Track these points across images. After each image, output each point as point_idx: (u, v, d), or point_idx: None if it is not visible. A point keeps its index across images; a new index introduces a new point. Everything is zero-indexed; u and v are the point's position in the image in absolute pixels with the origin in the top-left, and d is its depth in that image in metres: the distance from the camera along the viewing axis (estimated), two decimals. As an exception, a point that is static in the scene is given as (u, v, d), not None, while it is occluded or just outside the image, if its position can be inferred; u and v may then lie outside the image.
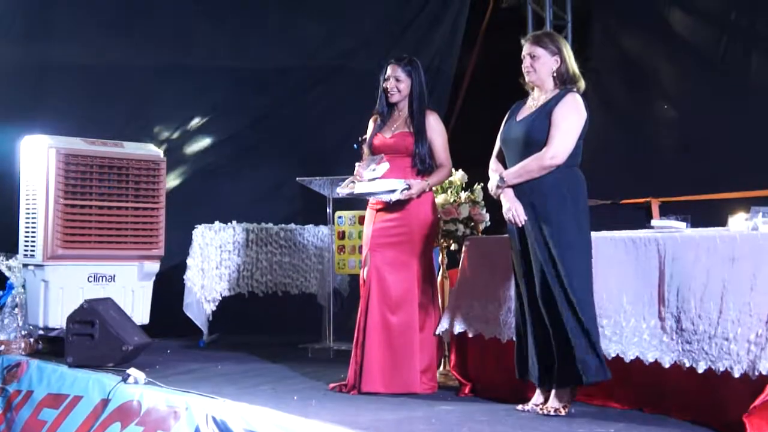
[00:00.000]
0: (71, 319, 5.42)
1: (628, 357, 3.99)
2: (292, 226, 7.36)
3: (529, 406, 4.14)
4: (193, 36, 7.73)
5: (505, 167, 4.21)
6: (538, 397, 4.15)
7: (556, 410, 4.02)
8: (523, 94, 4.38)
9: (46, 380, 5.29)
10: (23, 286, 6.03)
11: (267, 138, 8.15)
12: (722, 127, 7.21)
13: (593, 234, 4.13)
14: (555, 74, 4.18)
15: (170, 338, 6.80)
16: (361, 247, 6.22)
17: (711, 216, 4.89)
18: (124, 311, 5.78)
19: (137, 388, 4.63)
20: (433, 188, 4.98)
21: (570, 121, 4.06)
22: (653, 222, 4.41)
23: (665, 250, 3.93)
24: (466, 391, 4.72)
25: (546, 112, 4.09)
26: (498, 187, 4.18)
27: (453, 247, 5.32)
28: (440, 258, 5.47)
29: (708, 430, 3.74)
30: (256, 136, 8.15)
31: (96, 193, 6.16)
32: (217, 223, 6.97)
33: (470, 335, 4.69)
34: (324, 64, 8.23)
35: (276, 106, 8.16)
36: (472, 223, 5.31)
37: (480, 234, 5.34)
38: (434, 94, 5.02)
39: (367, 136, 4.99)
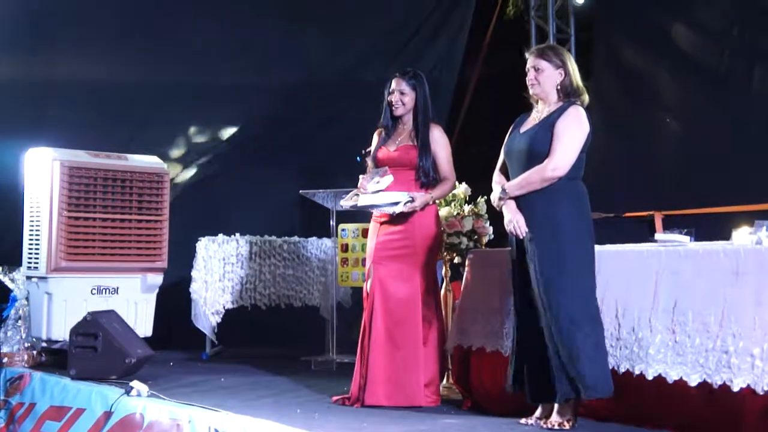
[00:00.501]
0: (74, 331, 5.42)
1: (620, 370, 3.99)
2: (296, 238, 7.36)
3: (532, 420, 4.13)
4: (197, 51, 7.75)
5: (509, 180, 4.22)
6: (541, 411, 4.14)
7: (559, 425, 4.01)
8: (526, 108, 4.39)
9: (49, 393, 5.28)
10: (27, 299, 6.03)
11: (270, 151, 8.17)
12: (725, 141, 7.22)
13: (596, 247, 4.13)
14: (559, 87, 4.19)
15: (173, 351, 6.80)
16: (364, 259, 6.22)
17: (715, 230, 4.89)
18: (127, 324, 5.78)
19: (140, 401, 4.62)
20: (437, 201, 4.98)
21: (572, 133, 4.07)
22: (657, 236, 4.41)
23: (667, 263, 3.93)
24: (470, 404, 4.71)
25: (549, 124, 4.10)
26: (500, 198, 4.18)
27: (456, 260, 5.32)
28: (443, 271, 5.47)
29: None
30: (260, 150, 8.17)
31: (99, 205, 6.17)
32: (220, 235, 6.97)
33: (474, 349, 4.68)
34: (327, 78, 8.24)
35: (280, 120, 8.18)
36: (476, 236, 5.31)
37: (483, 247, 5.34)
38: (433, 107, 5.01)
39: (372, 149, 5.00)
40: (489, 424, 4.21)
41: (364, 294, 4.92)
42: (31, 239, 6.10)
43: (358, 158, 5.05)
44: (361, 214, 5.59)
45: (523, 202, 4.11)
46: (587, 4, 8.62)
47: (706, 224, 6.06)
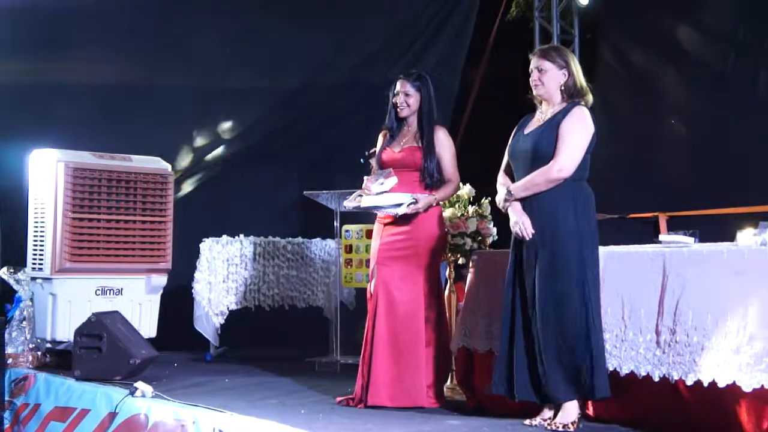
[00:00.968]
0: (79, 332, 5.43)
1: (623, 371, 4.00)
2: (300, 239, 7.36)
3: (536, 421, 4.13)
4: (201, 53, 7.75)
5: (513, 181, 4.22)
6: (546, 412, 4.13)
7: (564, 426, 4.01)
8: (530, 108, 4.39)
9: (54, 393, 5.29)
10: (31, 300, 6.04)
11: (274, 152, 8.17)
12: (730, 143, 7.21)
13: (600, 249, 4.13)
14: (563, 88, 4.19)
15: (177, 351, 6.80)
16: (368, 260, 6.24)
17: (719, 231, 4.89)
18: (132, 324, 5.79)
19: (145, 402, 4.63)
20: (441, 202, 4.98)
21: (577, 134, 4.07)
22: (661, 237, 4.42)
23: (671, 264, 3.93)
24: (473, 405, 4.71)
25: (553, 125, 4.10)
26: (505, 200, 4.18)
27: (460, 261, 5.32)
28: (447, 272, 5.48)
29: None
30: (264, 151, 8.16)
31: (104, 206, 6.17)
32: (224, 236, 6.98)
33: (478, 351, 4.68)
34: (331, 79, 8.24)
35: (284, 122, 8.18)
36: (480, 237, 5.32)
37: (487, 248, 5.34)
38: (437, 108, 5.02)
39: (376, 150, 5.01)
40: (493, 426, 4.21)
41: (368, 295, 4.92)
42: (35, 240, 6.11)
43: (362, 159, 5.06)
44: (365, 215, 5.59)
45: (528, 203, 4.11)
46: (591, 5, 8.60)
47: (710, 226, 6.05)
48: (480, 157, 5.60)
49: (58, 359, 5.94)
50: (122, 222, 6.24)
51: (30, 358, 5.87)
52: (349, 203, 4.95)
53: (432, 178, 4.84)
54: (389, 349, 4.75)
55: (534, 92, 4.25)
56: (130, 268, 6.28)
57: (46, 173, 6.05)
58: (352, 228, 6.83)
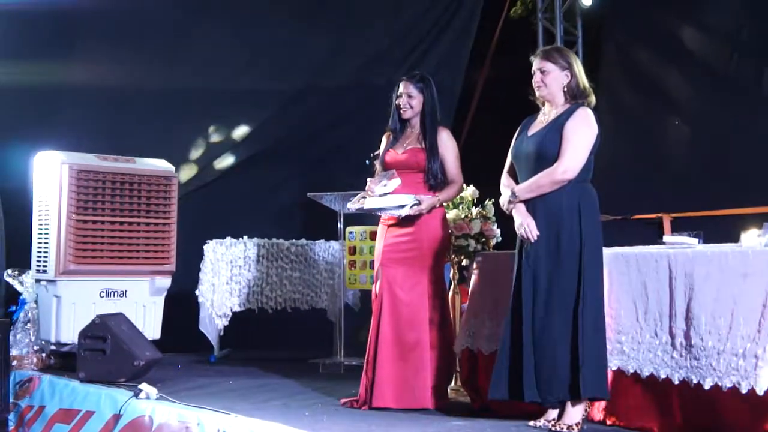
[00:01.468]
0: (83, 334, 5.43)
1: (644, 374, 3.99)
2: (303, 241, 7.37)
3: (541, 423, 4.12)
4: (206, 56, 7.75)
5: (517, 182, 4.22)
6: (550, 413, 4.13)
7: (568, 427, 4.01)
8: (533, 110, 4.39)
9: (58, 395, 5.30)
10: (35, 302, 6.05)
11: (278, 154, 8.17)
12: (734, 143, 7.21)
13: (606, 250, 4.13)
14: (565, 89, 4.19)
15: (181, 353, 6.81)
16: (372, 262, 6.24)
17: (723, 232, 4.88)
18: (136, 326, 5.79)
19: (149, 404, 4.63)
20: (445, 204, 4.98)
21: (581, 135, 4.07)
22: (665, 238, 4.42)
23: (677, 266, 3.92)
24: (478, 406, 4.71)
25: (557, 126, 4.10)
26: (510, 202, 4.18)
27: (464, 262, 5.32)
28: (451, 273, 5.47)
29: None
30: (268, 153, 8.17)
31: (108, 208, 6.18)
32: (228, 238, 6.98)
33: (483, 353, 4.68)
34: (335, 81, 8.25)
35: (287, 123, 8.19)
36: (483, 239, 5.32)
37: (491, 249, 5.34)
38: (441, 109, 5.03)
39: (380, 152, 5.01)
40: (497, 427, 4.21)
41: (373, 296, 4.93)
42: (39, 242, 6.12)
43: (366, 161, 5.06)
44: (368, 217, 5.59)
45: (532, 205, 4.11)
46: (594, 6, 8.61)
47: (714, 226, 6.05)
48: (483, 159, 5.60)
49: (62, 361, 5.95)
50: (126, 224, 6.24)
51: (34, 360, 5.88)
52: (353, 205, 4.95)
53: (436, 180, 4.84)
54: (394, 350, 4.75)
55: (537, 94, 4.25)
56: (134, 270, 6.28)
57: (51, 175, 6.06)
58: (356, 230, 6.83)
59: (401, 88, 4.92)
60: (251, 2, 7.87)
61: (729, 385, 3.63)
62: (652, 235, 6.92)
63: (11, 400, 5.54)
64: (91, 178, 6.10)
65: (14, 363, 5.75)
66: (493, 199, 5.21)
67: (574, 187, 4.05)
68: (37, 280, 6.08)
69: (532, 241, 4.09)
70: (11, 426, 5.49)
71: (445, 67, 8.52)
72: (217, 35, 7.80)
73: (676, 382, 3.86)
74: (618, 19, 8.56)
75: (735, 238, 4.26)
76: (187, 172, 7.89)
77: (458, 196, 5.14)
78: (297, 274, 7.28)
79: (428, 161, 4.83)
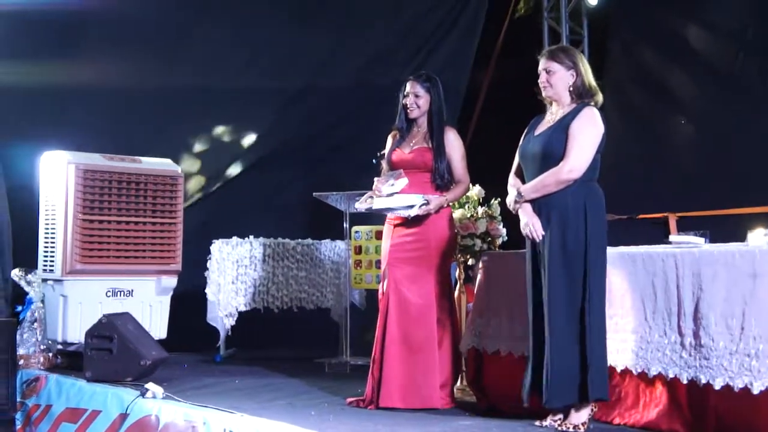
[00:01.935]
0: (90, 333, 5.44)
1: (651, 372, 3.98)
2: (309, 240, 7.37)
3: (547, 422, 4.12)
4: (211, 56, 7.76)
5: (524, 182, 4.21)
6: (556, 413, 4.13)
7: (574, 427, 4.01)
8: (539, 109, 4.38)
9: (65, 395, 5.31)
10: (42, 301, 6.06)
11: (284, 153, 8.18)
12: (739, 142, 7.20)
13: (611, 249, 4.13)
14: (571, 88, 4.18)
15: (187, 353, 6.82)
16: (377, 262, 6.25)
17: (730, 231, 4.87)
18: (142, 326, 5.80)
19: (155, 403, 4.64)
20: (451, 203, 4.98)
21: (587, 134, 4.06)
22: (671, 237, 4.41)
23: (683, 265, 3.92)
24: (484, 406, 4.71)
25: (563, 126, 4.09)
26: (516, 201, 4.18)
27: (470, 261, 5.33)
28: (457, 272, 5.48)
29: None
30: (273, 152, 8.18)
31: (114, 208, 6.18)
32: (234, 237, 6.99)
33: (489, 351, 4.68)
34: (340, 80, 8.25)
35: (293, 123, 8.19)
36: (489, 238, 5.32)
37: (497, 249, 5.34)
38: (447, 109, 5.04)
39: (386, 151, 5.01)
40: (504, 427, 4.21)
41: (380, 295, 4.93)
42: (46, 242, 6.13)
43: (373, 160, 5.07)
44: (374, 217, 5.60)
45: (538, 204, 4.11)
46: (600, 5, 8.60)
47: (720, 226, 6.04)
48: (489, 158, 5.60)
49: (69, 360, 5.96)
50: (132, 224, 6.25)
51: (41, 359, 5.89)
52: (361, 205, 4.95)
53: (443, 179, 4.84)
54: (401, 349, 4.75)
55: (543, 94, 4.25)
56: (141, 269, 6.29)
57: (57, 175, 6.07)
58: (362, 229, 6.83)
59: (408, 87, 4.93)
60: (254, 3, 7.87)
61: (741, 385, 3.62)
62: (658, 234, 6.90)
63: (18, 399, 5.55)
64: (98, 178, 6.11)
65: (21, 362, 5.76)
66: (498, 199, 5.21)
67: (580, 186, 4.04)
68: (44, 280, 6.09)
69: (537, 240, 4.08)
70: (18, 425, 5.50)
71: (451, 67, 8.51)
72: (220, 35, 7.81)
73: (685, 382, 3.85)
74: (624, 18, 8.55)
75: (741, 238, 4.25)
76: (195, 183, 7.90)
77: (464, 196, 5.14)
78: (303, 273, 7.28)
79: (435, 161, 4.83)
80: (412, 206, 4.73)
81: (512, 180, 4.31)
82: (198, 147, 8.06)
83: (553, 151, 4.07)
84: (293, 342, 7.43)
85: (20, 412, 5.53)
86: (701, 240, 4.22)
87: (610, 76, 8.35)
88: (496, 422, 4.33)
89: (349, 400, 4.88)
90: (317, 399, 5.03)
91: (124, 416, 4.74)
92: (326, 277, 7.41)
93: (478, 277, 4.93)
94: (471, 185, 5.12)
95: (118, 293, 6.18)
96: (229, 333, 6.87)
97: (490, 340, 4.70)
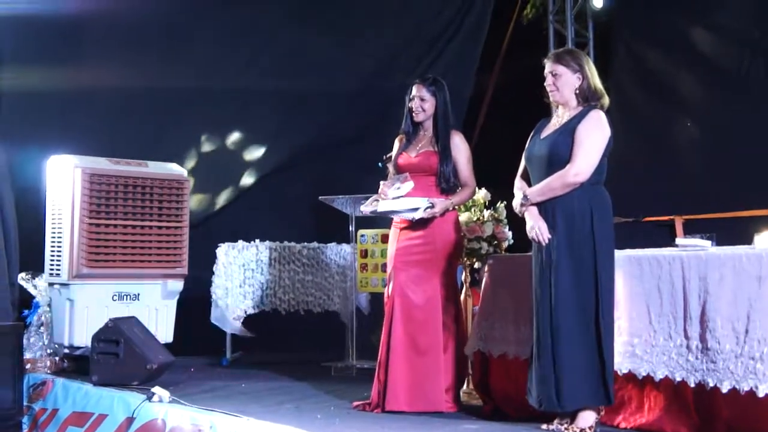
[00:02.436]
0: (96, 337, 5.45)
1: (658, 376, 3.97)
2: (315, 244, 7.37)
3: (553, 426, 4.11)
4: (217, 59, 7.77)
5: (530, 185, 4.21)
6: (563, 416, 4.12)
7: (581, 430, 4.00)
8: (545, 112, 4.38)
9: (72, 399, 5.31)
10: (49, 305, 6.07)
11: (289, 157, 8.19)
12: (746, 144, 7.18)
13: (617, 252, 4.12)
14: (578, 91, 4.17)
15: (193, 356, 6.82)
16: (383, 265, 6.24)
17: (736, 234, 4.86)
18: (148, 330, 5.81)
19: (162, 407, 4.64)
20: (457, 207, 4.98)
21: (593, 138, 4.05)
22: (678, 240, 4.39)
23: (690, 268, 3.91)
24: (490, 409, 4.70)
25: (569, 129, 4.08)
26: (522, 205, 4.17)
27: (477, 265, 5.32)
28: (463, 276, 5.47)
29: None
30: (279, 156, 8.19)
31: (120, 212, 6.19)
32: (240, 241, 6.99)
33: (495, 355, 4.67)
34: (346, 84, 8.25)
35: (298, 126, 8.20)
36: (496, 242, 5.31)
37: (503, 252, 5.34)
38: (453, 112, 5.04)
39: (393, 154, 5.01)
40: (510, 430, 4.21)
41: (385, 299, 4.93)
42: (53, 246, 6.14)
43: (379, 164, 5.07)
44: (380, 220, 5.60)
45: (544, 207, 4.10)
46: (605, 8, 8.60)
47: (727, 228, 6.03)
48: (495, 161, 5.60)
49: (75, 364, 5.97)
50: (139, 227, 6.26)
51: (48, 363, 5.90)
52: (366, 208, 4.96)
53: (448, 183, 4.84)
54: (406, 353, 4.75)
55: (550, 97, 4.24)
56: (147, 273, 6.29)
57: (64, 179, 6.09)
58: (368, 232, 6.83)
59: (414, 91, 4.93)
60: (259, 6, 7.88)
61: (747, 388, 3.61)
62: (664, 237, 6.89)
63: (25, 403, 5.56)
64: (104, 182, 6.12)
65: (28, 366, 5.78)
66: (505, 202, 5.20)
67: (586, 189, 4.03)
68: (51, 284, 6.10)
69: (543, 244, 4.08)
70: (25, 429, 5.50)
71: (456, 70, 8.52)
72: (226, 39, 7.81)
73: (692, 385, 3.84)
74: (629, 20, 8.55)
75: (748, 240, 4.23)
76: (198, 175, 7.90)
77: (470, 199, 5.13)
78: (309, 277, 7.28)
79: (441, 164, 4.83)
80: (416, 209, 4.73)
81: (518, 183, 4.30)
82: (203, 150, 8.06)
83: (560, 155, 4.06)
84: (299, 345, 7.43)
85: (27, 416, 5.53)
86: (708, 243, 4.20)
87: (616, 79, 8.34)
88: (501, 426, 4.32)
89: (355, 403, 4.88)
90: (323, 402, 5.03)
91: (130, 420, 4.74)
92: (332, 281, 7.41)
93: (484, 280, 4.92)
94: (477, 188, 5.12)
95: (125, 297, 6.19)
96: (242, 334, 6.86)
97: (496, 343, 4.69)
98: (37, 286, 6.06)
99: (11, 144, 6.57)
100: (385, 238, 6.34)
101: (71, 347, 6.02)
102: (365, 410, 4.77)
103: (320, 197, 6.47)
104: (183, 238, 6.44)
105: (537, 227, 4.08)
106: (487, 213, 5.31)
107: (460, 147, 4.90)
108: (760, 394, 3.56)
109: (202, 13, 7.70)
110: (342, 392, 5.32)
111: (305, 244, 7.33)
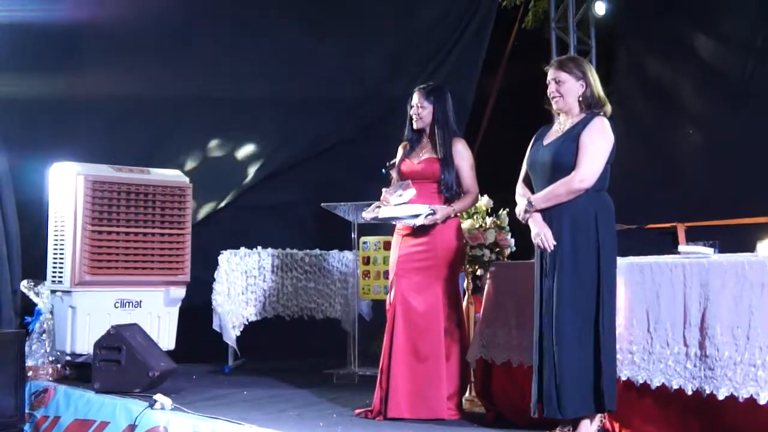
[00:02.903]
0: (98, 345, 5.45)
1: (654, 384, 3.96)
2: (317, 251, 7.37)
3: (556, 433, 4.11)
4: (220, 66, 7.78)
5: (532, 191, 4.20)
6: (566, 424, 4.11)
7: (584, 437, 3.99)
8: (547, 119, 4.38)
9: (73, 406, 5.31)
10: (51, 312, 6.08)
11: (292, 164, 8.19)
12: (748, 152, 7.18)
13: (619, 259, 4.11)
14: (581, 98, 4.17)
15: (196, 364, 6.81)
16: (386, 272, 6.24)
17: (739, 241, 4.85)
18: (150, 337, 5.81)
19: (164, 414, 4.64)
20: (459, 214, 4.98)
21: (598, 144, 4.05)
22: (680, 248, 4.39)
23: (691, 275, 3.90)
24: (492, 417, 4.70)
25: (573, 136, 4.08)
26: (526, 211, 4.16)
27: (479, 272, 5.32)
28: (465, 283, 5.47)
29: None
30: (281, 163, 8.19)
31: (123, 219, 6.19)
32: (242, 248, 6.99)
33: (497, 362, 4.66)
34: (349, 91, 8.26)
35: (301, 133, 8.20)
36: (498, 249, 5.31)
37: (505, 259, 5.33)
38: (455, 120, 5.05)
39: (395, 161, 5.02)
40: (512, 438, 4.21)
41: (387, 306, 4.93)
42: (55, 253, 6.14)
43: (383, 171, 5.07)
44: (382, 227, 5.59)
45: (548, 214, 4.09)
46: (608, 15, 8.60)
47: (729, 236, 6.01)
48: (497, 168, 5.60)
49: (77, 372, 5.97)
50: (141, 235, 6.26)
51: (50, 370, 5.90)
52: (368, 215, 4.96)
53: (450, 190, 4.84)
54: (408, 360, 4.75)
55: (552, 104, 4.23)
56: (149, 280, 6.30)
57: (66, 186, 6.09)
58: (370, 240, 6.83)
59: (414, 98, 4.95)
60: (262, 13, 7.89)
61: (746, 395, 3.60)
62: (666, 244, 6.88)
63: (26, 411, 5.56)
64: (106, 189, 6.12)
65: (30, 374, 5.78)
66: (507, 209, 5.20)
67: (590, 196, 4.03)
68: (53, 291, 6.10)
69: (549, 250, 4.07)
70: (27, 436, 5.51)
71: (459, 77, 8.52)
72: (231, 46, 7.83)
73: (690, 393, 3.83)
74: (631, 27, 8.56)
75: (751, 248, 4.23)
76: (201, 182, 7.90)
77: (473, 206, 5.13)
78: (311, 284, 7.28)
79: (442, 172, 4.83)
80: (418, 216, 4.73)
81: (521, 189, 4.30)
82: (206, 158, 8.06)
83: (564, 161, 4.06)
84: (301, 353, 7.42)
85: (29, 423, 5.53)
86: (710, 250, 4.20)
87: (618, 86, 8.34)
88: (504, 433, 4.32)
89: (357, 411, 4.88)
90: (326, 410, 5.03)
91: (132, 427, 4.74)
92: (335, 288, 7.40)
93: (486, 287, 4.91)
94: (480, 195, 5.11)
95: (127, 304, 6.19)
96: (238, 342, 6.86)
97: (498, 350, 4.68)
98: (39, 294, 6.07)
99: (13, 151, 6.60)
100: (387, 245, 6.33)
101: (73, 354, 6.01)
102: (367, 417, 4.77)
103: (323, 204, 6.47)
104: (185, 245, 6.45)
105: (542, 234, 4.07)
106: (489, 220, 5.30)
107: (462, 154, 4.90)
108: (762, 401, 3.55)
109: (203, 19, 7.72)
110: (344, 399, 5.32)
111: (307, 251, 7.33)
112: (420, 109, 4.92)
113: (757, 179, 7.02)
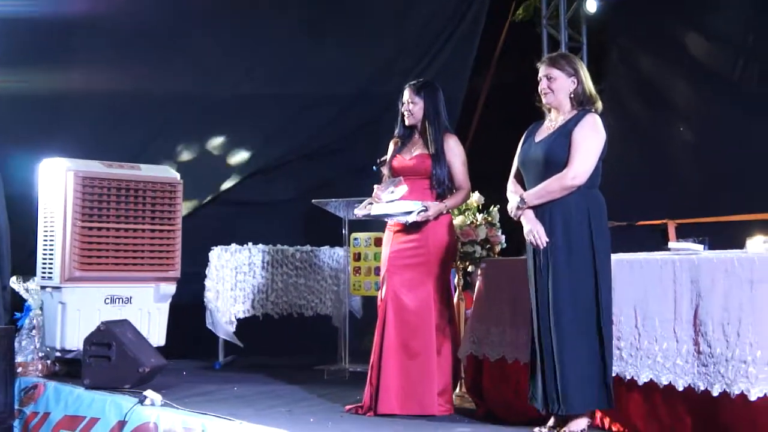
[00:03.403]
0: (88, 341, 5.44)
1: (641, 380, 3.97)
2: (308, 247, 7.37)
3: (545, 429, 4.11)
4: (212, 62, 7.76)
5: (524, 188, 4.20)
6: (555, 420, 4.11)
7: (573, 433, 4.00)
8: (538, 116, 4.38)
9: (63, 402, 5.31)
10: (41, 308, 6.06)
11: (284, 161, 8.18)
12: (739, 149, 7.20)
13: (612, 256, 4.12)
14: (572, 95, 4.18)
15: (186, 360, 6.81)
16: (377, 268, 6.25)
17: (729, 238, 4.87)
18: (141, 333, 5.80)
19: (154, 410, 4.63)
20: (451, 210, 4.98)
21: (590, 141, 4.06)
22: (670, 244, 4.41)
23: (682, 272, 3.91)
24: (483, 412, 4.70)
25: (565, 132, 4.09)
26: (518, 208, 4.16)
27: (470, 268, 5.33)
28: (456, 279, 5.47)
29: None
30: (273, 159, 8.18)
31: (113, 215, 6.18)
32: (233, 244, 6.98)
33: (489, 358, 4.67)
34: (342, 88, 8.25)
35: (292, 130, 8.19)
36: (489, 245, 5.32)
37: (496, 255, 5.34)
38: (447, 116, 5.05)
39: (387, 158, 5.02)
40: (502, 434, 4.21)
41: (378, 302, 4.93)
42: (45, 249, 6.12)
43: (374, 167, 5.07)
44: (373, 223, 5.59)
45: (541, 211, 4.10)
46: (599, 12, 8.61)
47: (719, 233, 6.04)
48: (488, 165, 5.60)
49: (67, 368, 5.95)
50: (131, 231, 6.24)
51: (39, 366, 5.89)
52: (360, 211, 4.96)
53: (442, 186, 4.84)
54: (399, 356, 4.75)
55: (543, 101, 4.24)
56: (139, 276, 6.28)
57: (56, 182, 6.07)
58: (361, 236, 6.83)
59: (405, 95, 4.95)
60: (255, 11, 7.87)
61: (737, 392, 3.61)
62: (657, 241, 6.90)
63: (16, 407, 5.54)
64: (96, 185, 6.10)
65: (19, 370, 5.76)
66: (498, 206, 5.21)
67: (583, 193, 4.04)
68: (43, 287, 6.08)
69: (542, 247, 4.07)
70: (16, 432, 5.50)
71: (451, 74, 8.53)
72: (220, 43, 7.80)
73: (680, 389, 3.84)
74: (622, 25, 8.56)
75: (740, 245, 4.24)
76: (192, 178, 7.88)
77: (465, 202, 5.13)
78: (302, 280, 7.28)
79: (434, 168, 4.83)
80: (410, 212, 4.73)
81: (512, 186, 4.30)
82: (197, 154, 8.04)
83: (556, 158, 4.06)
84: (292, 349, 7.42)
85: (18, 419, 5.52)
86: (700, 247, 4.21)
87: (609, 83, 8.36)
88: (494, 429, 4.33)
89: (348, 407, 4.88)
90: (316, 406, 5.03)
91: (122, 423, 4.74)
92: (325, 284, 7.40)
93: (477, 283, 4.92)
94: (471, 192, 5.12)
95: (117, 300, 6.18)
96: (235, 335, 6.86)
97: (489, 347, 4.69)
98: (29, 290, 6.05)
99: (2, 147, 6.57)
100: (378, 242, 6.34)
101: (63, 350, 6.00)
102: (358, 413, 4.77)
103: (314, 200, 6.47)
104: (176, 241, 6.43)
105: (535, 231, 4.07)
106: (480, 216, 5.31)
107: (454, 150, 4.90)
108: (752, 397, 3.57)
109: (196, 17, 7.68)
110: (334, 395, 5.32)
111: (298, 247, 7.33)
112: (411, 105, 4.92)
113: (747, 176, 7.04)
